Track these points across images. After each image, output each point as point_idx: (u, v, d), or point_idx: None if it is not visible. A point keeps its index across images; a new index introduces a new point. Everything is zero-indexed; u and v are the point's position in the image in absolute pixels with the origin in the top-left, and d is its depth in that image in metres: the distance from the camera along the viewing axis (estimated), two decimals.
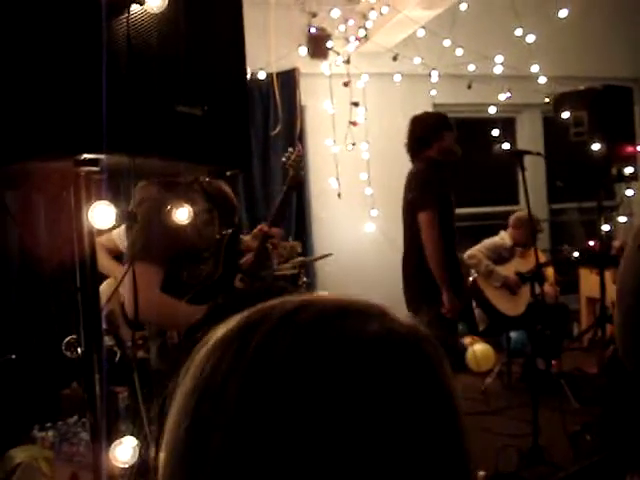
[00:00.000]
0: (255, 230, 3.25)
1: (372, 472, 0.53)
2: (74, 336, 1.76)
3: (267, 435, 0.53)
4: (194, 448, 0.56)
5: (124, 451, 1.70)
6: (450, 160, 4.27)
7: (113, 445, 1.68)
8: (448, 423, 0.60)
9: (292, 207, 6.98)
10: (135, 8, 1.50)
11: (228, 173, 1.92)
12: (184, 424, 0.57)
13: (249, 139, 1.91)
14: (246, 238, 3.72)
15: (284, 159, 3.41)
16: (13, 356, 4.60)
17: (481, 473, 3.88)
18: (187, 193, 2.67)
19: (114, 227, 1.84)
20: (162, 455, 0.59)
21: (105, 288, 3.02)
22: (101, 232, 1.91)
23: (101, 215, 1.57)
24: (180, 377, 0.61)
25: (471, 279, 6.00)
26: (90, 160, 1.48)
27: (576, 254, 5.75)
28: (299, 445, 0.52)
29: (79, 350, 1.71)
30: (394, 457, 0.54)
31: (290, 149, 3.44)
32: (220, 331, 0.62)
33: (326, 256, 6.50)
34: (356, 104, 7.06)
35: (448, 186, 4.26)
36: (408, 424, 0.55)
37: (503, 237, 6.17)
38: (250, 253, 3.20)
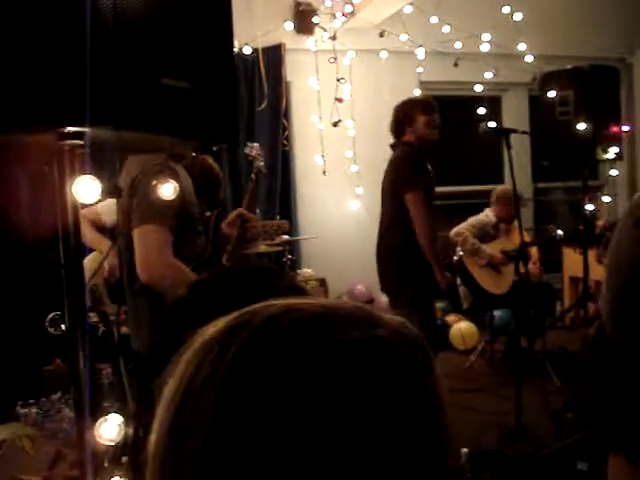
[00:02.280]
0: (230, 216, 3.24)
1: (348, 476, 0.52)
2: (58, 312, 1.74)
3: (244, 442, 0.52)
4: (172, 452, 0.56)
5: (109, 428, 1.69)
6: (426, 146, 4.29)
7: (98, 422, 1.66)
8: (430, 427, 0.59)
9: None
10: None
11: (214, 148, 1.89)
12: (166, 425, 0.57)
13: (236, 113, 1.88)
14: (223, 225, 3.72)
15: (247, 151, 3.50)
16: None
17: (464, 450, 3.90)
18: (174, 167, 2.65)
19: (99, 201, 1.81)
20: (149, 450, 0.59)
21: (88, 263, 2.99)
22: (85, 206, 1.88)
23: (86, 189, 1.54)
24: (167, 373, 0.60)
25: (456, 257, 6.00)
26: (74, 133, 1.46)
27: (560, 232, 5.76)
28: (276, 453, 0.52)
29: (63, 327, 1.69)
30: (371, 461, 0.53)
31: (249, 143, 3.54)
32: (206, 332, 0.61)
33: (311, 238, 6.52)
34: (342, 80, 7.02)
35: (427, 172, 4.28)
36: (386, 429, 0.55)
37: (487, 214, 6.19)
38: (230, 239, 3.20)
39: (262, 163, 3.54)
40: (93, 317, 2.46)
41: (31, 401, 4.89)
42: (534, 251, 6.32)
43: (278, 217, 6.66)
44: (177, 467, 0.55)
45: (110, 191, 1.60)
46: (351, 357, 0.56)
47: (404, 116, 4.31)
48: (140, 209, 2.48)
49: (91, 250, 3.80)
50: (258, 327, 0.58)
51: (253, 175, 3.44)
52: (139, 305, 2.70)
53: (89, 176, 1.55)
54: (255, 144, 3.61)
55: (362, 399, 0.54)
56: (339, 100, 7.09)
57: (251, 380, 0.54)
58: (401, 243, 4.13)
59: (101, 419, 1.68)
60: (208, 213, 2.96)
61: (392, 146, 4.45)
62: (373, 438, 0.54)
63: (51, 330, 1.79)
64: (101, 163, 1.92)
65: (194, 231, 2.71)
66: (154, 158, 2.50)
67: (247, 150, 3.51)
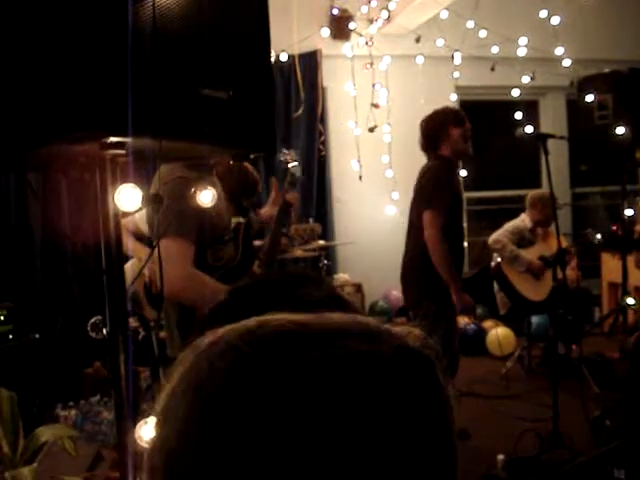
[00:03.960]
0: (272, 196, 3.26)
1: None
2: (99, 317, 1.78)
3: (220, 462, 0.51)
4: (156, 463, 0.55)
5: (149, 430, 1.72)
6: (461, 159, 4.26)
7: (138, 425, 1.69)
8: (432, 447, 0.54)
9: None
10: None
11: (252, 156, 1.92)
12: (154, 439, 0.56)
13: (274, 122, 1.90)
14: (265, 209, 3.75)
15: (281, 158, 3.48)
16: (37, 335, 4.65)
17: (500, 457, 3.89)
18: (209, 175, 2.69)
19: (139, 209, 1.85)
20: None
21: (129, 269, 3.03)
22: (125, 214, 1.92)
23: (127, 198, 1.58)
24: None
25: (493, 264, 5.97)
26: (116, 143, 1.49)
27: (599, 236, 5.71)
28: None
29: (104, 331, 1.72)
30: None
31: (284, 150, 3.49)
32: (196, 345, 0.58)
33: (347, 244, 6.53)
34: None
35: (458, 185, 4.24)
36: (375, 451, 0.51)
37: (524, 219, 6.13)
38: (266, 237, 3.23)
39: (298, 168, 3.54)
40: (133, 322, 2.50)
41: (71, 403, 4.97)
42: (572, 256, 6.26)
43: (311, 221, 6.68)
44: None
45: (151, 199, 1.63)
46: (321, 375, 0.52)
47: (437, 131, 4.22)
48: (165, 219, 2.52)
49: (131, 257, 3.86)
50: (228, 345, 0.55)
51: (288, 182, 3.43)
52: (170, 312, 2.75)
53: (130, 185, 1.59)
54: (291, 150, 3.61)
55: (342, 418, 0.51)
56: (375, 106, 7.11)
57: (210, 406, 0.52)
58: (421, 258, 4.07)
59: (141, 421, 1.71)
60: (241, 220, 2.99)
61: (428, 157, 4.37)
62: (356, 458, 0.50)
63: (93, 334, 1.82)
64: (140, 171, 1.96)
65: (220, 240, 2.74)
66: (177, 169, 2.54)
67: (282, 157, 3.51)
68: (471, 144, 4.22)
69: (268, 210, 3.82)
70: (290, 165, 3.40)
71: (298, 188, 5.85)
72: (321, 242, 5.96)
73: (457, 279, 4.05)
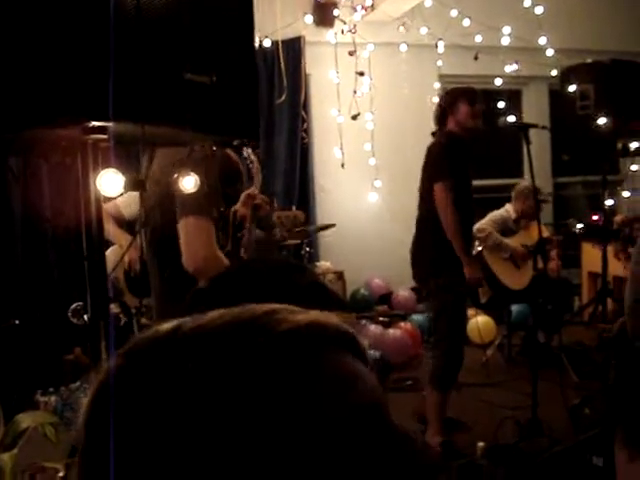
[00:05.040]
0: (242, 197, 3.24)
1: None
2: (80, 303, 1.77)
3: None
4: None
5: None
6: (468, 135, 4.26)
7: None
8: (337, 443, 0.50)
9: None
10: None
11: (235, 142, 1.91)
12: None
13: (257, 108, 1.90)
14: (237, 207, 3.73)
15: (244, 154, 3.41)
16: (17, 321, 4.62)
17: (480, 444, 3.91)
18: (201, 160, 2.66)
19: (121, 194, 1.83)
20: None
21: (110, 255, 3.02)
22: (107, 199, 1.90)
23: (109, 183, 1.56)
24: None
25: (474, 252, 5.99)
26: (98, 127, 1.48)
27: (579, 226, 5.74)
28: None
29: (85, 317, 1.71)
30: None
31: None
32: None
33: (329, 227, 6.51)
34: (361, 74, 7.01)
35: (465, 161, 4.25)
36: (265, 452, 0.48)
37: (508, 209, 6.16)
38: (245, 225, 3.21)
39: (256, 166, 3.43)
40: (115, 308, 2.49)
41: (51, 389, 4.94)
42: (554, 246, 6.29)
43: (294, 208, 6.66)
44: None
45: (133, 184, 1.62)
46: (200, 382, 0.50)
47: (447, 103, 4.29)
48: (180, 201, 2.48)
49: (112, 243, 3.85)
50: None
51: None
52: (166, 292, 2.72)
53: (112, 169, 1.58)
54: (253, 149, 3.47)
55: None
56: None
57: (92, 413, 0.53)
58: (432, 232, 4.13)
59: None
60: (233, 209, 2.97)
61: (433, 134, 4.42)
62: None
63: (74, 320, 1.81)
64: (125, 156, 1.95)
65: (216, 227, 2.72)
66: (184, 151, 2.51)
67: (245, 153, 3.42)
68: (480, 122, 4.26)
69: (241, 210, 3.75)
70: (249, 161, 3.35)
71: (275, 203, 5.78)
72: (302, 228, 5.94)
73: (467, 250, 4.11)
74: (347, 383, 0.54)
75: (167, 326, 0.55)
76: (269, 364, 0.51)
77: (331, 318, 0.57)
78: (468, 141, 4.27)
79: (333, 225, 6.42)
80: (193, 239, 2.36)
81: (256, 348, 0.51)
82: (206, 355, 0.51)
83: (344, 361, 0.55)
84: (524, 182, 6.53)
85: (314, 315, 0.56)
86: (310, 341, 0.54)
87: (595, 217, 6.22)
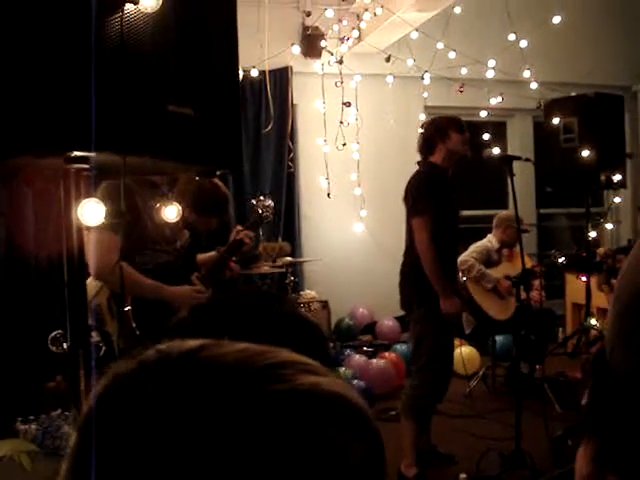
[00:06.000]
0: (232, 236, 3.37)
1: None
2: (60, 331, 1.76)
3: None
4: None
5: None
6: (453, 165, 4.27)
7: None
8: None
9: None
10: (129, 7, 1.50)
11: (218, 172, 1.92)
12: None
13: (240, 139, 1.91)
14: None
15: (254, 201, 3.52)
16: None
17: (463, 476, 3.90)
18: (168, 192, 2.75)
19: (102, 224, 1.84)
20: None
21: (92, 282, 3.03)
22: (89, 228, 1.91)
23: (90, 212, 1.57)
24: None
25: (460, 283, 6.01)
26: (80, 157, 1.49)
27: (562, 259, 5.77)
28: None
29: (65, 345, 1.71)
30: None
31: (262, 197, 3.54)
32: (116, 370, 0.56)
33: (314, 260, 6.53)
34: (348, 104, 7.07)
35: (448, 192, 4.25)
36: None
37: (490, 240, 6.19)
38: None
39: (269, 214, 3.51)
40: (95, 337, 2.48)
41: (31, 417, 4.89)
42: (537, 277, 6.32)
43: (280, 239, 6.68)
44: None
45: (115, 214, 1.63)
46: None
47: (436, 131, 4.26)
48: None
49: None
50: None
51: (251, 221, 3.52)
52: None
53: (94, 199, 1.59)
54: (268, 198, 3.52)
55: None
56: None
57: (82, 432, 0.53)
58: (413, 264, 4.14)
59: None
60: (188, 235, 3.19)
61: (418, 163, 4.40)
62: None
63: (53, 348, 1.81)
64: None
65: (152, 248, 2.90)
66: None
67: (254, 201, 3.49)
68: (467, 148, 4.28)
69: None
70: (260, 210, 3.41)
71: (261, 234, 5.84)
72: (288, 258, 5.95)
73: (444, 284, 4.07)
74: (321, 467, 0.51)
75: (151, 353, 0.54)
76: (251, 425, 0.49)
77: (335, 385, 0.55)
78: (453, 171, 4.29)
79: (319, 260, 6.45)
80: (93, 251, 2.56)
81: (245, 404, 0.50)
82: (195, 398, 0.50)
83: (332, 440, 0.52)
84: (504, 212, 6.57)
85: (316, 380, 0.54)
86: (302, 409, 0.51)
87: (577, 249, 6.24)
